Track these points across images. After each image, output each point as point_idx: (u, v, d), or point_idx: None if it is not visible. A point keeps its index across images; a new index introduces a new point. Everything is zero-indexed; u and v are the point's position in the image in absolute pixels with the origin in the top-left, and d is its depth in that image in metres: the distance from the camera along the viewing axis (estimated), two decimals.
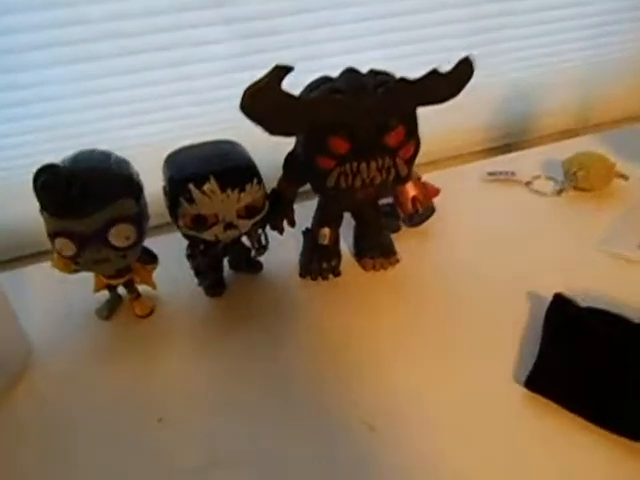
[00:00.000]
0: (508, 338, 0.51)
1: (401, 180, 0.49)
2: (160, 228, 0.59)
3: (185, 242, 0.55)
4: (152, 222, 0.53)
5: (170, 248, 0.56)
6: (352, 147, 0.46)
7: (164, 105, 0.70)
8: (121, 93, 0.67)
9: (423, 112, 0.49)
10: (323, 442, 0.44)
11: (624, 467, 0.41)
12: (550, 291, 0.53)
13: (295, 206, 0.57)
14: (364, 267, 0.61)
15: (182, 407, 0.48)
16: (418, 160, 0.54)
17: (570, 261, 0.60)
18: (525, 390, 0.46)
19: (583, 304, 0.51)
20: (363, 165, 0.47)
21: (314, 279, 0.60)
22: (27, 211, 0.49)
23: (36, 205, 0.47)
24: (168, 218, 0.52)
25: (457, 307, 0.56)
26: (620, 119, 0.92)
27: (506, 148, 0.86)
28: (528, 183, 0.72)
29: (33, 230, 0.53)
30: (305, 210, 0.59)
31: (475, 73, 0.46)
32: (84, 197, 0.46)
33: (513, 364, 0.49)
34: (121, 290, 0.58)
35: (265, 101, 0.41)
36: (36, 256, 0.67)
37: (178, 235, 0.56)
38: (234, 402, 0.48)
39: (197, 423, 0.46)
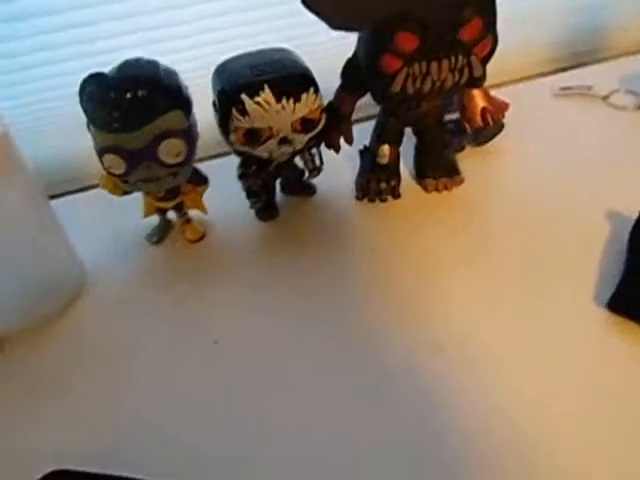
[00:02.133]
0: (587, 259, 0.47)
1: (475, 82, 0.44)
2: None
3: (236, 165, 0.52)
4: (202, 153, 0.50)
5: (221, 173, 0.53)
6: (422, 43, 0.41)
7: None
8: None
9: None
10: (385, 365, 0.41)
11: None
12: (634, 211, 0.48)
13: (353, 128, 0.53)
14: (426, 188, 0.57)
15: (234, 331, 0.46)
16: (487, 82, 0.50)
17: None
18: (608, 312, 0.42)
19: None
20: (434, 65, 0.42)
21: (372, 201, 0.56)
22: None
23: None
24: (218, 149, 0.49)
25: (528, 229, 0.51)
26: None
27: (580, 65, 0.78)
28: (605, 98, 0.66)
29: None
30: (362, 131, 0.55)
31: None
32: (133, 108, 0.43)
33: (594, 286, 0.45)
34: (171, 215, 0.56)
35: None
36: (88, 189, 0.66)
37: (229, 160, 0.53)
38: (287, 328, 0.46)
39: (250, 347, 0.44)
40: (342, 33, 0.42)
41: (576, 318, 0.43)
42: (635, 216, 0.48)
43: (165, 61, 0.46)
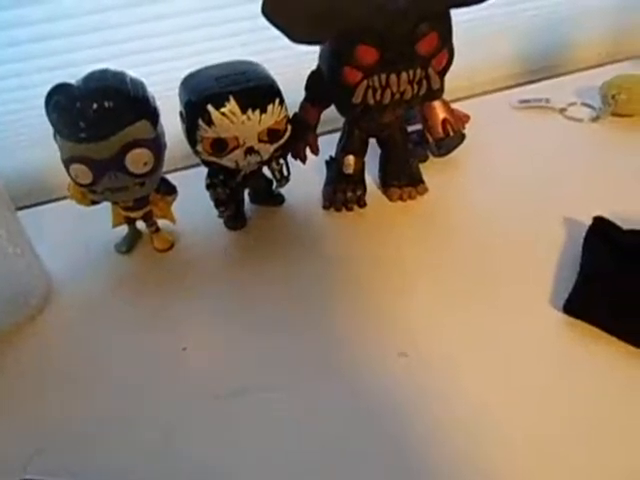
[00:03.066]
0: (544, 264, 0.49)
1: (433, 95, 0.46)
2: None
3: (204, 176, 0.53)
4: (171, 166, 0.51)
5: (189, 184, 0.54)
6: (381, 56, 0.42)
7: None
8: None
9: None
10: (352, 369, 0.42)
11: None
12: (588, 218, 0.50)
13: (319, 139, 0.54)
14: (390, 197, 0.58)
15: (204, 338, 0.46)
16: (449, 97, 0.51)
17: (609, 188, 0.56)
18: (563, 315, 0.44)
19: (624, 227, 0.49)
20: (393, 77, 0.43)
21: (338, 210, 0.58)
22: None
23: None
24: (186, 162, 0.50)
25: (488, 236, 0.53)
26: None
27: (540, 79, 0.81)
28: (562, 110, 0.68)
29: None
30: (329, 144, 0.56)
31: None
32: (100, 118, 0.44)
33: (550, 290, 0.47)
34: (140, 225, 0.56)
35: (289, 1, 0.38)
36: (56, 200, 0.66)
37: (197, 171, 0.54)
38: (255, 334, 0.46)
39: (218, 353, 0.45)
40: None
41: (533, 321, 0.44)
42: (589, 222, 0.50)
43: (138, 73, 0.47)
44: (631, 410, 0.38)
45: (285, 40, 0.42)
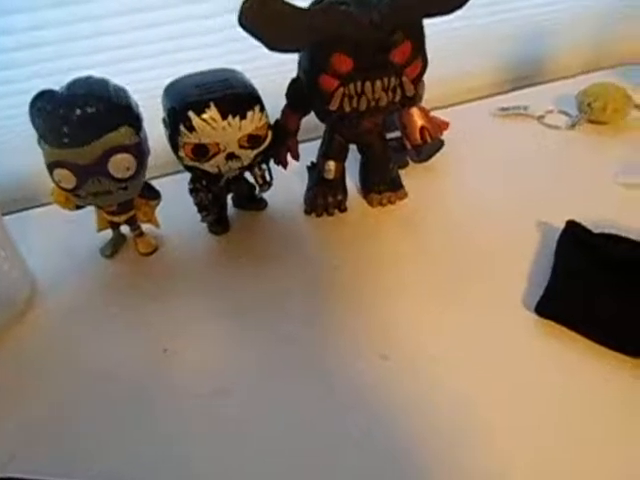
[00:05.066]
0: (518, 267, 0.50)
1: (408, 102, 0.47)
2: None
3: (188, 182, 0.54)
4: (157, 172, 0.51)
5: (174, 189, 0.55)
6: (356, 64, 0.44)
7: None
8: None
9: (436, 56, 0.47)
10: (332, 372, 0.43)
11: None
12: (562, 222, 0.52)
13: (301, 146, 0.56)
14: (371, 203, 0.59)
15: (186, 340, 0.47)
16: (428, 106, 0.52)
17: (583, 194, 0.58)
18: (536, 316, 0.45)
19: (596, 231, 0.50)
20: (368, 85, 0.45)
21: (319, 215, 0.59)
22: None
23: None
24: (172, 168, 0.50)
25: (466, 241, 0.54)
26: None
27: (519, 87, 0.83)
28: (540, 117, 0.70)
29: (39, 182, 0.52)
30: (311, 150, 0.57)
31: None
32: (82, 124, 0.45)
33: (523, 292, 0.48)
34: (125, 230, 0.57)
35: (266, 12, 0.39)
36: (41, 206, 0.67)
37: (181, 176, 0.55)
38: (237, 336, 0.47)
39: (201, 354, 0.46)
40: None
41: (507, 322, 0.46)
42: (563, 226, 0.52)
43: (125, 81, 0.48)
44: (602, 406, 0.39)
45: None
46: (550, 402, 0.40)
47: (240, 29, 0.40)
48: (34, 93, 0.45)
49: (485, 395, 0.40)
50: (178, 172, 0.60)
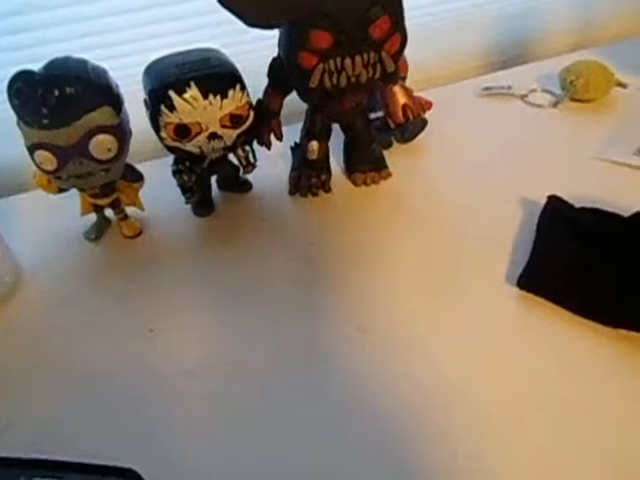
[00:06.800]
0: (501, 243, 0.50)
1: (388, 78, 0.47)
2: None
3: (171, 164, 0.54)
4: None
5: (158, 172, 0.55)
6: (335, 41, 0.44)
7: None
8: None
9: (419, 37, 0.47)
10: (315, 348, 0.44)
11: (626, 360, 0.40)
12: (545, 198, 0.52)
13: (284, 127, 0.56)
14: (355, 182, 0.59)
15: (171, 320, 0.47)
16: (415, 87, 0.52)
17: (566, 171, 0.58)
18: (519, 292, 0.46)
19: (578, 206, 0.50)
20: (347, 61, 0.45)
21: (304, 195, 0.59)
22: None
23: None
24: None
25: (449, 218, 0.55)
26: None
27: (502, 67, 0.83)
28: (524, 96, 0.70)
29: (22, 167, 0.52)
30: (295, 131, 0.57)
31: None
32: (61, 105, 0.44)
33: (506, 267, 0.48)
34: (109, 213, 0.57)
35: None
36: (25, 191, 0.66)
37: (165, 160, 0.55)
38: (222, 315, 0.48)
39: (187, 333, 0.46)
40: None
41: (490, 296, 0.46)
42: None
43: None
44: (587, 379, 0.40)
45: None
46: (534, 375, 0.40)
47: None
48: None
49: (468, 371, 0.41)
50: (162, 156, 0.60)
